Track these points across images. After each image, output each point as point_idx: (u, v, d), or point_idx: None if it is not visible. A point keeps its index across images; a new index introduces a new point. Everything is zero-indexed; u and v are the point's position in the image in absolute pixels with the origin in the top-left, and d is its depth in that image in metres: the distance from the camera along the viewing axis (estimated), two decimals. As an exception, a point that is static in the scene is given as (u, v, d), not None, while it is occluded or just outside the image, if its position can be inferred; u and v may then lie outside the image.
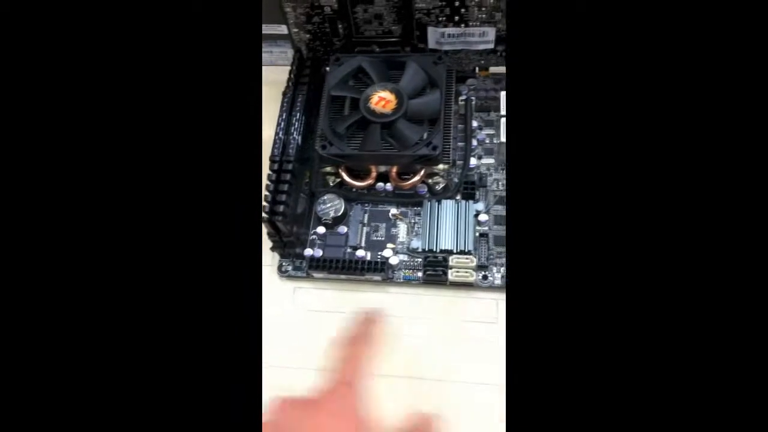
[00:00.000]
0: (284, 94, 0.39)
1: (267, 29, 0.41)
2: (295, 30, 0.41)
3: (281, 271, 0.40)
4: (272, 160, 0.37)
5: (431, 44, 0.41)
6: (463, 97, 0.43)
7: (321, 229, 0.40)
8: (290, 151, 0.38)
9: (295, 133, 0.38)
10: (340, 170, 0.40)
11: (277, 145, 0.38)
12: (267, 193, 0.36)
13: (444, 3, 0.38)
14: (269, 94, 0.46)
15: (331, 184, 0.41)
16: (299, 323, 0.39)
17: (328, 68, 0.42)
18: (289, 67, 0.44)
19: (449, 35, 0.41)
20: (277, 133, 0.38)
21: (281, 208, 0.35)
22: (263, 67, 0.45)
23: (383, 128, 0.39)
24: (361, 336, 0.27)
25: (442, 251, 0.39)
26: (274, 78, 0.46)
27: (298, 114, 0.39)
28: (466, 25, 0.40)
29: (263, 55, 0.44)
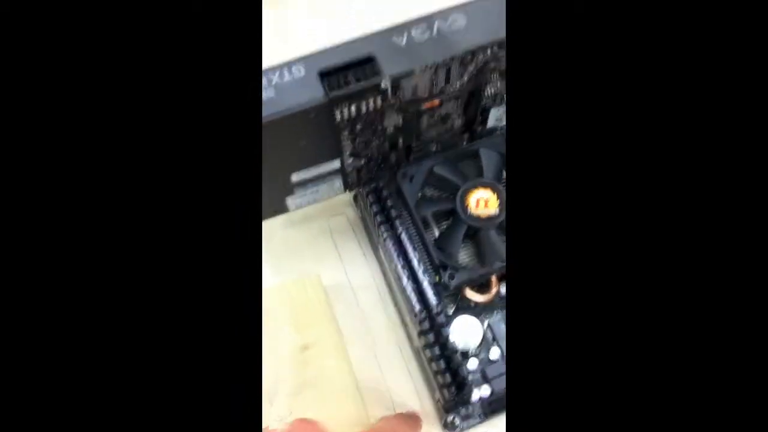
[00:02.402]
0: (382, 239, 0.34)
1: (317, 170, 0.35)
2: (350, 160, 0.35)
3: (450, 428, 0.35)
4: (421, 320, 0.32)
5: (491, 123, 0.38)
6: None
7: (473, 363, 0.35)
8: (432, 300, 0.33)
9: (422, 274, 0.33)
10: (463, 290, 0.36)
11: (416, 299, 0.32)
12: (434, 365, 0.31)
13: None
14: (319, 229, 0.41)
15: (449, 308, 0.37)
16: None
17: (379, 190, 0.37)
18: (335, 197, 0.38)
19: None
20: (403, 289, 0.33)
21: (465, 371, 0.30)
22: (308, 207, 0.39)
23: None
24: None
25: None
26: (320, 212, 0.41)
27: (417, 254, 0.34)
28: (530, 95, 0.37)
29: (306, 196, 0.38)
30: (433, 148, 0.38)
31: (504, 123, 0.38)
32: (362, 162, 0.36)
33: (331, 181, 0.37)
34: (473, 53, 0.31)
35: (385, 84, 0.30)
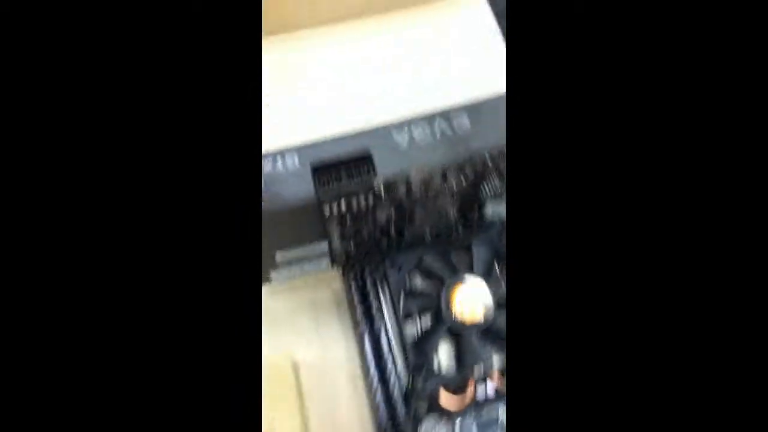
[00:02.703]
0: (360, 334, 0.33)
1: (304, 251, 0.34)
2: (338, 243, 0.34)
3: None
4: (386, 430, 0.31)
5: (487, 216, 0.37)
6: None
7: (440, 469, 0.34)
8: (400, 405, 0.31)
9: (395, 374, 0.32)
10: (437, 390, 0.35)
11: (383, 404, 0.31)
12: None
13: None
14: (302, 301, 0.40)
15: (420, 407, 0.36)
16: None
17: (365, 275, 0.36)
18: (323, 272, 0.37)
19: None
20: (374, 394, 0.32)
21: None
22: (293, 280, 0.38)
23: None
24: None
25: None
26: (307, 283, 0.39)
27: (393, 349, 0.33)
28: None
29: (291, 271, 0.37)
30: (426, 235, 0.37)
31: (500, 217, 0.37)
32: (351, 245, 0.35)
33: (318, 260, 0.36)
34: (473, 160, 0.30)
35: (378, 184, 0.29)
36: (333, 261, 0.36)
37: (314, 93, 0.32)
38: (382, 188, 0.29)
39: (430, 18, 0.31)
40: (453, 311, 0.34)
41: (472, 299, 0.34)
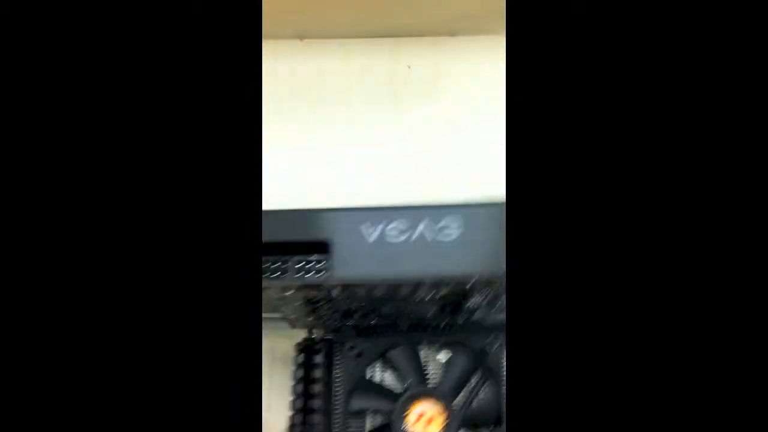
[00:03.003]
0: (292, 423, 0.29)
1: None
2: (291, 318, 0.30)
3: None
4: None
5: (476, 317, 0.31)
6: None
7: None
8: None
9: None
10: None
11: None
12: None
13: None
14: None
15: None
16: None
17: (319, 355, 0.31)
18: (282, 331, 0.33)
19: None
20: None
21: None
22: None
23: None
24: None
25: None
26: (268, 329, 0.35)
27: None
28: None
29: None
30: (400, 324, 0.31)
31: (493, 321, 0.31)
32: (308, 320, 0.30)
33: (274, 322, 0.32)
34: (453, 281, 0.24)
35: (332, 284, 0.24)
36: (293, 327, 0.32)
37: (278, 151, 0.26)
38: (337, 291, 0.24)
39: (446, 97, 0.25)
40: (408, 424, 0.29)
41: (433, 416, 0.29)
